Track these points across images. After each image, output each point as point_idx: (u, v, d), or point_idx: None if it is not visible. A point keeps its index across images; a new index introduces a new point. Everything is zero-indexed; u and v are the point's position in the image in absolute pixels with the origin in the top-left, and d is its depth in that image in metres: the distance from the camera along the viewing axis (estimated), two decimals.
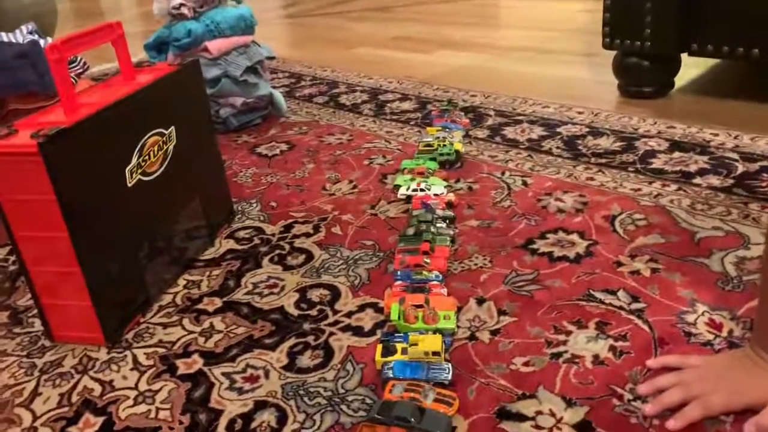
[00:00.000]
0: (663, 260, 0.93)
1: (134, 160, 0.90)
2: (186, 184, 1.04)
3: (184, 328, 0.90)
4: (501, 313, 0.86)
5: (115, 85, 0.96)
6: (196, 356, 0.84)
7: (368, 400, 0.74)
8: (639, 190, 1.14)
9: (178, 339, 0.88)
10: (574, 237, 1.02)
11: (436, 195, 1.17)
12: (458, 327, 0.84)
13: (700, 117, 1.44)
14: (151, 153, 0.94)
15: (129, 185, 0.89)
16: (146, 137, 0.92)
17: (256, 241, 1.10)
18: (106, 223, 0.86)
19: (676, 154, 1.27)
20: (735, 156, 1.24)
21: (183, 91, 1.04)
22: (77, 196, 0.81)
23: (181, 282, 1.01)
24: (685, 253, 0.94)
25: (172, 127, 0.98)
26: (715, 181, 1.15)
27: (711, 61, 1.79)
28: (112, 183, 0.87)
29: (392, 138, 1.49)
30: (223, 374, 0.80)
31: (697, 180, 1.16)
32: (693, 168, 1.20)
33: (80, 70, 1.39)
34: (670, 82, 1.63)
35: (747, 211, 1.04)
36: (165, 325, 0.91)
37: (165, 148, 0.97)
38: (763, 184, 1.12)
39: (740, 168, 1.19)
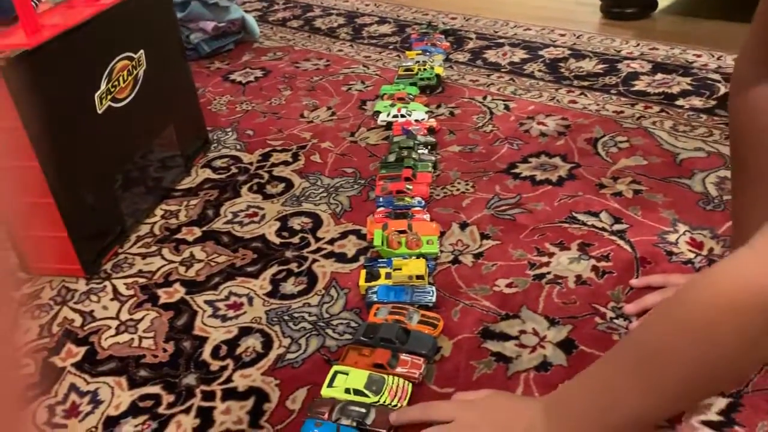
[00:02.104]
0: (645, 181, 0.93)
1: (103, 86, 0.86)
2: (159, 111, 1.01)
3: (163, 258, 0.88)
4: (484, 237, 0.86)
5: (78, 6, 0.91)
6: (177, 285, 0.83)
7: (353, 324, 0.74)
8: (621, 112, 1.13)
9: (158, 269, 0.86)
10: (557, 160, 1.01)
11: (417, 121, 1.15)
12: (441, 251, 0.84)
13: (683, 38, 1.41)
14: (121, 78, 0.90)
15: (99, 112, 0.86)
16: (115, 61, 0.88)
17: (234, 170, 1.08)
18: (77, 151, 0.83)
19: (659, 76, 1.25)
20: (717, 77, 1.22)
21: (150, 14, 0.99)
22: (45, 123, 0.77)
23: (159, 212, 0.98)
24: (666, 175, 0.94)
25: (141, 51, 0.94)
26: (697, 102, 1.14)
27: None
28: (81, 109, 0.84)
29: (370, 63, 1.45)
30: (206, 302, 0.80)
31: (680, 102, 1.15)
32: (675, 90, 1.19)
33: None
34: (653, 2, 1.59)
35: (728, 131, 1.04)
36: (144, 256, 0.89)
37: (135, 73, 0.93)
38: None
39: (722, 89, 1.18)
